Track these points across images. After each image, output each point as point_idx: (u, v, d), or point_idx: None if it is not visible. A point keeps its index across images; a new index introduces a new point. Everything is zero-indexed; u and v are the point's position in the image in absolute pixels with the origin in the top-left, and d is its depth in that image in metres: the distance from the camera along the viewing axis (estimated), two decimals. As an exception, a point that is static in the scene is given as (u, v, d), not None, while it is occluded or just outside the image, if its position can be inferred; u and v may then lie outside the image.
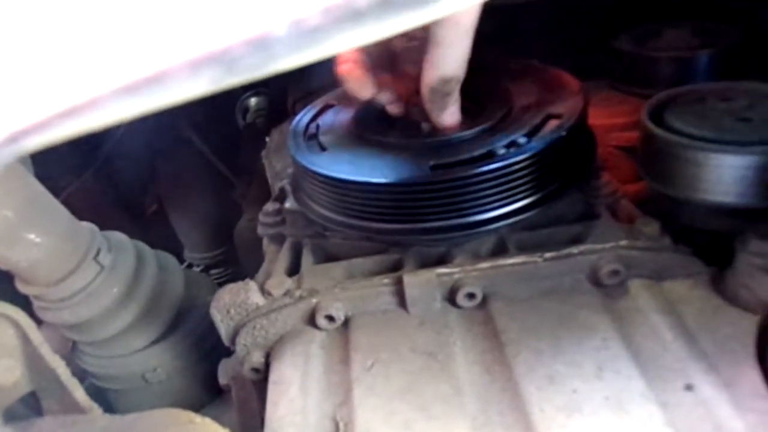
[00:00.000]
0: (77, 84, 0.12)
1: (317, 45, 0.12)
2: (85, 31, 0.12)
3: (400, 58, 0.58)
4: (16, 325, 0.61)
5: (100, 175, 1.23)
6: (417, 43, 0.54)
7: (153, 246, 0.85)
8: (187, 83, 0.12)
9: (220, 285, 0.60)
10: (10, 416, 0.62)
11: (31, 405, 0.65)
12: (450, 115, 0.55)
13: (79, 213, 0.73)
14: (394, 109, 0.60)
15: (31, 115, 0.12)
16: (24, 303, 0.70)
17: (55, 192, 0.70)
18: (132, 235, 0.82)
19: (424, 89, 0.53)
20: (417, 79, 0.55)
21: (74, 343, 0.82)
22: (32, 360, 0.61)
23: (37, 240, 0.62)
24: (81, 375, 0.74)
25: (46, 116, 0.12)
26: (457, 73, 0.51)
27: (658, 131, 0.52)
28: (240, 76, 0.14)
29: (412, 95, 0.58)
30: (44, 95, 0.12)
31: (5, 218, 0.58)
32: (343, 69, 0.55)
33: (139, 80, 0.12)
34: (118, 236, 0.77)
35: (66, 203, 0.71)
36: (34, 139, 0.13)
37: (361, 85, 0.55)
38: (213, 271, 1.37)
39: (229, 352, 0.70)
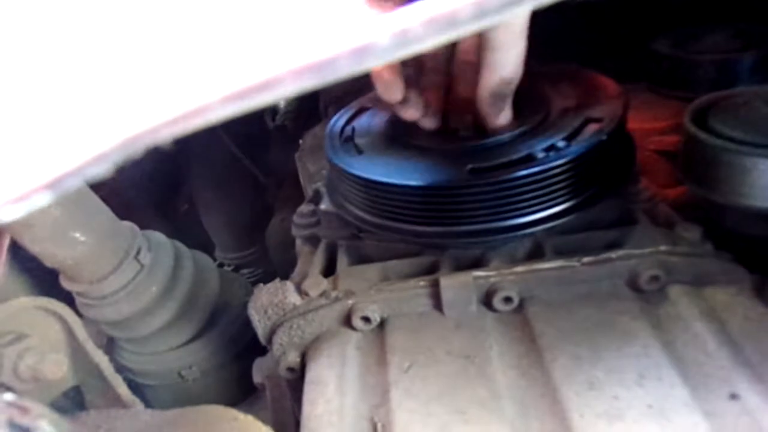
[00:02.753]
0: (190, 95, 0.13)
1: (407, 49, 0.13)
2: (205, 45, 0.13)
3: (427, 68, 0.58)
4: (63, 321, 0.63)
5: (134, 175, 1.26)
6: (446, 51, 0.54)
7: (184, 245, 0.87)
8: (282, 90, 0.13)
9: (252, 285, 0.61)
10: (55, 410, 0.63)
11: (75, 399, 0.67)
12: (505, 116, 0.55)
13: (113, 212, 0.74)
14: (428, 123, 0.59)
15: (145, 122, 0.13)
16: (66, 300, 0.72)
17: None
18: (163, 234, 0.84)
19: (484, 93, 0.53)
20: (448, 88, 0.56)
21: (111, 338, 0.85)
22: (77, 355, 0.63)
23: (82, 238, 0.64)
24: (117, 370, 0.76)
25: (157, 123, 0.13)
26: (516, 74, 0.51)
27: (702, 136, 0.51)
28: (324, 80, 0.14)
29: (446, 104, 0.58)
30: (160, 106, 0.13)
31: (53, 217, 0.60)
32: (374, 70, 0.55)
33: (245, 89, 0.12)
34: (157, 236, 0.79)
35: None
36: (144, 142, 0.14)
37: (390, 87, 0.55)
38: (243, 271, 1.39)
39: (261, 352, 0.72)
